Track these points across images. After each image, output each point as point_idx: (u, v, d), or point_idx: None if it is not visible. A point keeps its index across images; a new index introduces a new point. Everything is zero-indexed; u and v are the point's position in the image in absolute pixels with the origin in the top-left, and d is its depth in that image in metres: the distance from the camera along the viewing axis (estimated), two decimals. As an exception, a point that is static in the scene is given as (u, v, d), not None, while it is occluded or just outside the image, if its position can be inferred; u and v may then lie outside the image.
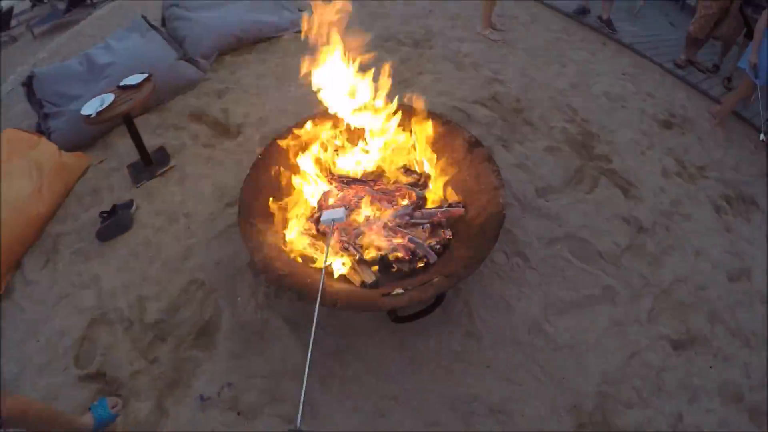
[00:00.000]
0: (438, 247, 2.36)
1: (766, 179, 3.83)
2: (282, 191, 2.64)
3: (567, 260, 2.81)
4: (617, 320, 2.57)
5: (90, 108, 3.17)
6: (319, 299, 1.35)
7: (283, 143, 2.67)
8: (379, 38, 4.90)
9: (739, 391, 2.40)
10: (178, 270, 2.78)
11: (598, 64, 4.85)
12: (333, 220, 1.94)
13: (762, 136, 3.88)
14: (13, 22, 8.19)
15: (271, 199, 2.50)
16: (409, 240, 2.31)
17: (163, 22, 4.96)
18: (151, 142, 3.67)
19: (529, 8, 5.87)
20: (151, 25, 4.60)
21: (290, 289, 2.01)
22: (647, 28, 5.83)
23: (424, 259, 2.31)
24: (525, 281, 2.66)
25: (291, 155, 2.68)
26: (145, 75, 3.44)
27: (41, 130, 3.85)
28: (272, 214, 2.45)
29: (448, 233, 2.43)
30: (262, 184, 2.52)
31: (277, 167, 2.61)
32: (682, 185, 3.57)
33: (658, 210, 3.27)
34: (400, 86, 2.86)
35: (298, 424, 0.80)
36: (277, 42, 4.97)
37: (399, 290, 2.02)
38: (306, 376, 1.11)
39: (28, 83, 4.10)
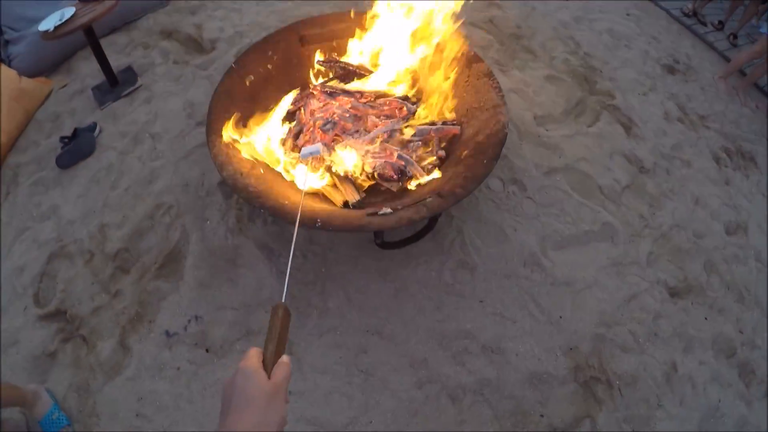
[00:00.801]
0: (430, 166, 2.04)
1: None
2: (257, 102, 2.27)
3: (566, 192, 2.55)
4: (616, 260, 2.36)
5: (48, 23, 2.78)
6: (298, 220, 1.09)
7: (261, 50, 2.29)
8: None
9: (732, 345, 2.25)
10: (143, 194, 2.45)
11: (601, 1, 4.47)
12: (311, 153, 1.71)
13: None
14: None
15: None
16: (398, 157, 1.98)
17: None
18: (118, 62, 3.27)
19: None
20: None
21: (263, 208, 1.69)
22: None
23: (414, 179, 2.00)
24: (522, 211, 2.40)
25: (270, 64, 2.31)
26: (111, -14, 3.01)
27: (1, 58, 3.43)
28: (245, 127, 2.10)
29: (442, 153, 2.11)
30: (235, 94, 2.16)
31: (252, 76, 2.23)
32: (684, 131, 3.35)
33: (659, 152, 3.06)
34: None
35: (283, 299, 0.75)
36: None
37: (387, 209, 1.71)
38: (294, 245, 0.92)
39: (-13, 9, 3.60)
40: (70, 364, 2.01)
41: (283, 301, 0.74)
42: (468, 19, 3.52)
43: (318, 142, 2.05)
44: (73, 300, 2.18)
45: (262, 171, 1.97)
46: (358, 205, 1.90)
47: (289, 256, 0.91)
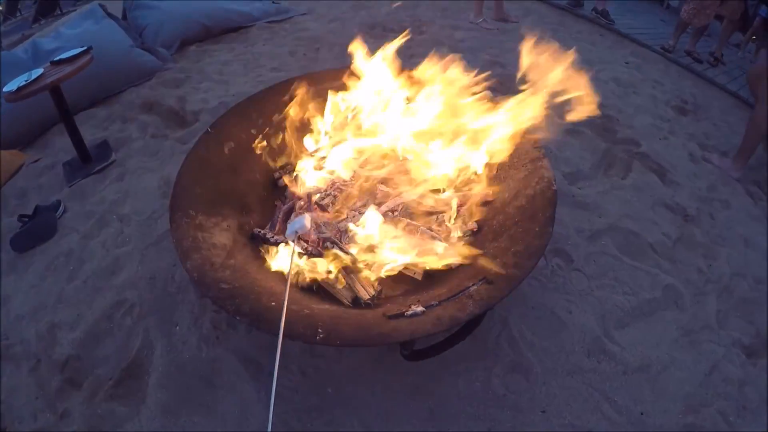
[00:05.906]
0: (461, 244, 1.50)
1: None
2: (239, 173, 1.76)
3: (615, 257, 2.05)
4: (687, 328, 1.88)
5: (13, 84, 2.40)
6: (282, 330, 0.59)
7: (243, 113, 1.81)
8: (363, 25, 4.15)
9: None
10: (102, 288, 1.90)
11: (600, 53, 4.24)
12: (296, 230, 1.22)
13: None
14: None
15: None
16: (421, 233, 1.44)
17: (124, 16, 4.09)
18: (94, 137, 2.85)
19: (521, 2, 5.20)
20: (108, 14, 3.74)
21: (237, 315, 1.13)
22: (641, 22, 5.27)
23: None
24: (572, 287, 1.87)
25: (254, 129, 1.81)
26: (84, 48, 2.68)
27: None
28: (222, 206, 1.57)
29: (473, 225, 1.58)
30: (210, 165, 1.65)
31: (232, 143, 1.73)
32: (713, 171, 2.96)
33: (697, 196, 2.64)
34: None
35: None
36: (247, 32, 4.18)
37: (417, 308, 1.15)
38: None
39: (-36, 79, 3.21)
40: None
41: None
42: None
43: (303, 214, 1.52)
44: (14, 415, 1.62)
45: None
46: (372, 302, 1.34)
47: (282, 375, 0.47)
